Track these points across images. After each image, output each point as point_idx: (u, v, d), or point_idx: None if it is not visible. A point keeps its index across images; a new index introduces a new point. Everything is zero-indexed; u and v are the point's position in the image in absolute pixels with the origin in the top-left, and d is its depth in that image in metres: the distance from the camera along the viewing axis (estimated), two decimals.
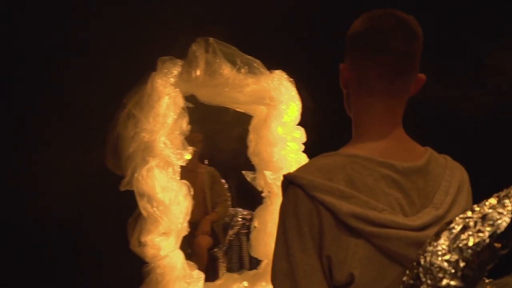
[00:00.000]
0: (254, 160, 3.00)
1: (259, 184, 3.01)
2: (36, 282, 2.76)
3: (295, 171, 0.98)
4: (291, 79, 2.94)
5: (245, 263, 3.96)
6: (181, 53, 2.74)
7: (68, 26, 2.83)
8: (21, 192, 2.68)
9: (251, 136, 3.01)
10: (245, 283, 2.80)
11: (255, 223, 3.04)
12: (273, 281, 0.95)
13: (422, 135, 1.15)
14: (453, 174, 1.03)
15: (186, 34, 2.82)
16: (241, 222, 4.15)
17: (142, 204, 2.51)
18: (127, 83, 2.70)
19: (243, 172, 3.12)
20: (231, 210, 4.26)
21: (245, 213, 4.15)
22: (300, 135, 2.89)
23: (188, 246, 3.68)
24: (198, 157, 3.90)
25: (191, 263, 2.78)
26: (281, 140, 2.83)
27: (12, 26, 2.73)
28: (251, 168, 3.13)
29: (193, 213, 3.70)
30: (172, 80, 2.66)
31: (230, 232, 4.11)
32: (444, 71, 2.86)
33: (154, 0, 2.93)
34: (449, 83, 2.97)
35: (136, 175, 2.53)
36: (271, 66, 2.92)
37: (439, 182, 1.00)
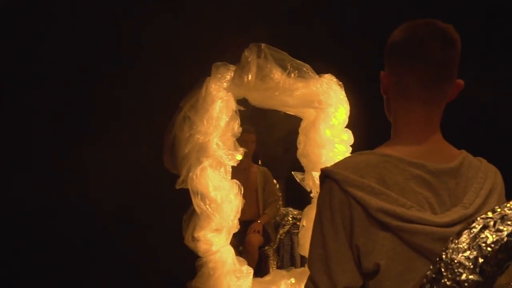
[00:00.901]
0: (303, 161, 3.07)
1: (308, 185, 3.08)
2: (95, 273, 2.96)
3: (331, 166, 1.05)
4: (340, 83, 2.99)
5: (296, 261, 4.02)
6: (234, 58, 2.86)
7: (132, 33, 3.01)
8: (83, 188, 2.87)
9: (300, 138, 3.08)
10: (293, 280, 2.88)
11: (303, 222, 3.11)
12: (310, 266, 1.03)
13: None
14: (486, 177, 1.06)
15: (239, 40, 2.93)
16: (292, 221, 4.21)
17: (196, 201, 2.64)
18: (183, 87, 2.84)
19: (293, 172, 3.20)
20: (283, 209, 4.33)
21: (295, 212, 4.20)
22: (348, 137, 2.93)
23: (240, 244, 3.81)
24: (251, 157, 4.02)
25: (241, 258, 2.88)
26: (329, 142, 2.88)
27: (77, 31, 2.91)
28: (302, 169, 3.21)
29: (245, 212, 3.83)
30: (225, 84, 2.78)
31: (281, 231, 4.18)
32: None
33: (209, 11, 3.05)
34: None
35: (190, 174, 2.67)
36: (321, 70, 2.98)
37: (471, 184, 1.04)
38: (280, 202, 4.32)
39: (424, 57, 1.02)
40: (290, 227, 4.21)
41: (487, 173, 1.07)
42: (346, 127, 2.99)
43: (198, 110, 2.73)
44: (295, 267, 3.64)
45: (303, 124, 3.10)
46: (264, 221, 3.93)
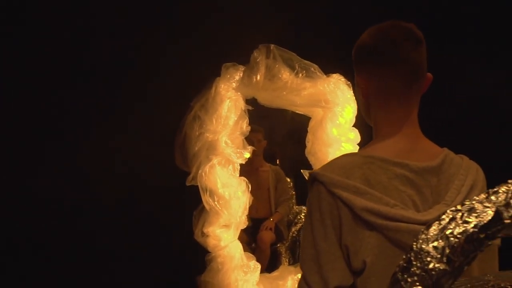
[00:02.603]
0: (311, 159, 3.11)
1: None
2: (106, 269, 3.03)
3: (318, 169, 1.08)
4: (349, 82, 3.01)
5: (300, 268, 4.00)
6: (244, 59, 2.91)
7: (144, 34, 3.10)
8: (95, 185, 2.96)
9: (309, 137, 3.12)
10: (299, 275, 2.91)
11: None
12: (302, 265, 1.07)
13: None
14: (467, 174, 1.08)
15: (248, 41, 2.98)
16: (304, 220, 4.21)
17: (205, 198, 2.71)
18: (194, 87, 2.91)
19: (302, 170, 3.24)
20: (296, 208, 4.37)
21: None
22: (355, 136, 2.97)
23: (253, 241, 3.87)
24: (263, 156, 4.08)
25: (249, 254, 2.94)
26: (336, 141, 2.92)
27: (90, 32, 3.01)
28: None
29: (258, 210, 3.90)
30: (234, 84, 2.84)
31: (293, 229, 4.21)
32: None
33: (218, 13, 3.12)
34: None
35: (200, 171, 2.73)
36: (330, 69, 3.02)
37: (453, 181, 1.07)
38: (293, 201, 4.35)
39: (400, 58, 1.06)
40: (302, 225, 4.21)
41: (468, 170, 1.09)
42: (353, 126, 3.02)
43: (207, 109, 2.80)
44: None
45: (311, 123, 3.15)
46: (277, 219, 3.96)
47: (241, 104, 2.85)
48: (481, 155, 1.26)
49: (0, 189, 2.82)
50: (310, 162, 3.14)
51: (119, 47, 3.01)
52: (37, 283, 2.93)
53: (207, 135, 2.77)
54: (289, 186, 4.28)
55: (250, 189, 2.88)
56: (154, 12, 3.07)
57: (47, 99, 2.94)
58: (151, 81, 2.99)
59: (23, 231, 2.90)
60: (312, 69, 2.89)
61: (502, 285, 1.00)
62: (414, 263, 0.90)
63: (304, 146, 3.21)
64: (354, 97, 2.98)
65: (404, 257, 0.94)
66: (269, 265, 3.72)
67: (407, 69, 1.07)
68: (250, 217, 3.78)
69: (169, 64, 2.99)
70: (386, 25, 1.10)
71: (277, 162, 4.51)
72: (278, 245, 3.99)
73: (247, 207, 2.85)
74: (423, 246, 0.90)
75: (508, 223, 0.84)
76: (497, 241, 1.16)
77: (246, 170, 3.77)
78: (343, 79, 3.01)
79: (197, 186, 2.77)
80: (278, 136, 4.26)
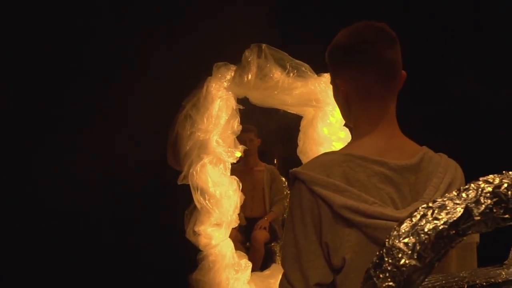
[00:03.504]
0: (302, 158, 3.12)
1: None
2: (98, 269, 3.01)
3: (299, 168, 1.09)
4: None
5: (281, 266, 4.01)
6: (235, 58, 2.93)
7: (135, 34, 3.10)
8: (87, 184, 2.98)
9: (300, 136, 3.14)
10: None
11: None
12: (283, 263, 1.08)
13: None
14: (445, 171, 1.09)
15: (240, 41, 3.00)
16: None
17: (196, 197, 2.74)
18: (185, 86, 2.93)
19: (290, 170, 3.25)
20: None
21: None
22: (345, 135, 2.97)
23: (247, 240, 3.89)
24: (258, 156, 4.09)
25: (241, 252, 2.96)
26: (327, 140, 2.94)
27: (81, 31, 3.00)
28: None
29: (252, 209, 3.92)
30: (225, 84, 2.86)
31: None
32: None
33: (210, 12, 3.13)
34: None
35: (191, 170, 2.76)
36: (321, 69, 3.02)
37: (431, 178, 1.08)
38: (287, 200, 4.36)
39: (377, 58, 1.08)
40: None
41: (446, 168, 1.10)
42: (344, 125, 3.02)
43: (199, 108, 2.82)
44: None
45: (302, 123, 3.16)
46: (271, 218, 3.98)
47: (233, 104, 2.87)
48: (460, 153, 1.27)
49: None
50: (302, 161, 3.16)
51: (109, 47, 3.01)
52: (37, 283, 2.94)
53: (199, 134, 2.79)
54: (283, 185, 4.29)
55: (241, 188, 2.89)
56: (145, 12, 3.08)
57: (45, 98, 2.95)
58: (142, 80, 3.00)
59: (19, 232, 2.91)
60: (303, 68, 2.91)
61: (477, 281, 1.01)
62: (386, 259, 0.91)
63: (297, 145, 3.23)
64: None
65: (377, 253, 0.96)
66: (263, 264, 3.74)
67: (383, 68, 1.08)
68: (245, 216, 3.81)
69: (160, 63, 3.00)
70: (359, 26, 1.11)
71: (275, 162, 4.53)
72: (272, 244, 4.00)
73: (238, 205, 2.86)
74: (395, 243, 0.91)
75: (478, 219, 0.85)
76: (476, 238, 1.17)
77: (241, 169, 3.80)
78: None
79: (189, 185, 2.79)
80: (273, 136, 4.27)
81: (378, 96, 1.10)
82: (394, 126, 1.14)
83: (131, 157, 2.95)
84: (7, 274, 2.90)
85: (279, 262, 3.93)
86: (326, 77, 2.99)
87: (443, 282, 1.01)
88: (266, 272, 3.13)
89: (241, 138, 2.97)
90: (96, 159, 2.91)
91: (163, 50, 3.05)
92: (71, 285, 2.94)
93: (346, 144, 2.91)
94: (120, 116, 2.98)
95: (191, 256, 2.85)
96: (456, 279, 1.01)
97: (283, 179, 4.30)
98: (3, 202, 2.80)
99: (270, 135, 4.31)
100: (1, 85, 2.87)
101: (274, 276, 3.00)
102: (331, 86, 2.88)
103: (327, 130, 2.93)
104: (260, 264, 3.72)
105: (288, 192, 4.37)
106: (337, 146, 2.92)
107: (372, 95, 1.10)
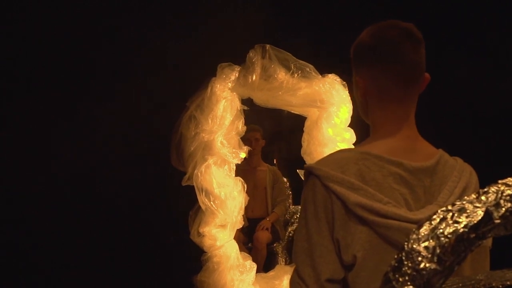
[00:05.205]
0: (306, 159, 3.11)
1: None
2: (104, 267, 3.03)
3: (314, 163, 1.09)
4: (344, 82, 3.01)
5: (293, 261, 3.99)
6: (239, 59, 2.92)
7: (140, 34, 3.10)
8: (96, 185, 2.97)
9: (304, 136, 3.13)
10: None
11: None
12: (295, 258, 1.07)
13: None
14: (460, 176, 1.09)
15: (244, 41, 2.99)
16: None
17: (201, 198, 2.72)
18: (190, 87, 2.92)
19: (298, 170, 3.25)
20: (292, 207, 4.37)
21: None
22: (350, 136, 2.97)
23: (249, 241, 3.88)
24: (261, 156, 4.08)
25: (245, 253, 2.95)
26: (331, 141, 2.93)
27: (87, 31, 3.03)
28: None
29: (255, 210, 3.90)
30: (229, 84, 2.85)
31: (290, 229, 4.22)
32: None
33: (214, 13, 3.12)
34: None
35: (195, 171, 2.74)
36: (326, 69, 3.03)
37: (446, 182, 1.07)
38: (290, 201, 4.36)
39: (399, 58, 1.06)
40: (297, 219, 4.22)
41: (462, 172, 1.10)
42: (348, 126, 3.02)
43: (203, 109, 2.81)
44: None
45: (307, 123, 3.15)
46: (273, 219, 3.97)
47: (237, 104, 2.86)
48: (475, 157, 1.27)
49: None
50: (306, 162, 3.15)
51: (115, 48, 3.01)
52: (38, 283, 2.93)
53: (203, 135, 2.78)
54: (285, 186, 4.29)
55: (246, 189, 2.88)
56: (151, 13, 3.07)
57: (48, 98, 2.94)
58: (147, 81, 2.99)
59: (19, 231, 2.90)
60: (308, 69, 2.90)
61: (493, 284, 1.00)
62: (405, 262, 0.90)
63: (300, 146, 3.22)
64: (349, 97, 2.99)
65: (395, 256, 0.95)
66: (266, 265, 3.73)
67: (405, 69, 1.07)
68: (247, 217, 3.80)
69: (165, 64, 2.99)
70: (385, 25, 1.09)
71: (275, 162, 4.52)
72: (275, 244, 4.00)
73: (243, 207, 2.85)
74: (414, 246, 0.91)
75: (498, 223, 0.85)
76: (489, 243, 1.16)
77: (244, 169, 3.78)
78: (338, 79, 3.02)
79: (193, 186, 2.78)
80: (273, 137, 4.26)
81: (397, 97, 1.09)
82: (412, 127, 1.12)
83: (135, 158, 2.94)
84: None
85: (281, 263, 3.98)
86: (331, 77, 2.99)
87: (460, 285, 1.00)
88: (271, 273, 3.12)
89: (247, 138, 2.95)
90: (99, 161, 2.90)
91: (167, 51, 3.04)
92: (77, 285, 2.93)
93: (351, 145, 2.93)
94: (124, 116, 2.97)
95: (195, 258, 2.84)
96: (472, 282, 1.00)
97: (285, 179, 4.30)
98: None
99: (270, 136, 4.30)
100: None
101: (278, 277, 2.98)
102: (335, 87, 2.86)
103: (332, 131, 2.92)
104: (263, 265, 3.71)
105: (290, 193, 4.38)
106: (342, 147, 2.91)
107: (391, 96, 1.09)
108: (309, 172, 1.06)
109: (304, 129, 3.17)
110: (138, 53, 3.07)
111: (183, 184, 2.78)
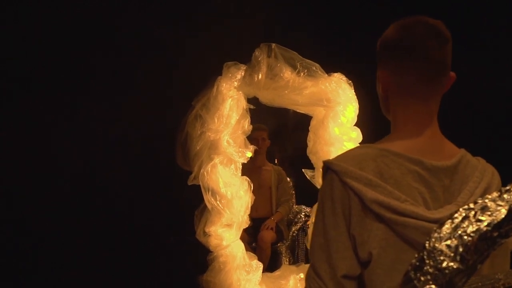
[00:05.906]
0: (312, 158, 3.10)
1: (317, 182, 3.11)
2: (111, 267, 3.03)
3: (333, 159, 1.07)
4: (350, 82, 3.00)
5: (309, 258, 3.99)
6: (245, 58, 2.91)
7: (146, 34, 3.09)
8: (99, 185, 2.96)
9: (310, 136, 3.11)
10: (301, 275, 2.92)
11: (312, 219, 3.14)
12: (311, 254, 1.07)
13: None
14: (482, 176, 1.07)
15: (250, 40, 2.98)
16: (304, 219, 4.23)
17: (207, 197, 2.71)
18: (196, 86, 2.91)
19: (303, 170, 3.24)
20: (296, 207, 4.37)
21: (308, 210, 4.23)
22: (357, 135, 2.95)
23: (253, 240, 3.87)
24: (265, 155, 4.07)
25: (251, 253, 2.94)
26: (338, 140, 2.91)
27: (93, 31, 3.02)
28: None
29: (259, 209, 3.89)
30: (235, 83, 2.83)
31: (293, 228, 4.21)
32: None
33: (220, 12, 3.11)
34: None
35: (202, 171, 2.73)
36: (332, 68, 3.02)
37: (467, 182, 1.06)
38: (293, 200, 4.35)
39: (423, 55, 1.04)
40: (303, 224, 4.23)
41: (483, 173, 1.09)
42: (355, 125, 3.01)
43: (209, 108, 2.79)
44: (306, 263, 3.66)
45: (312, 122, 3.14)
46: (277, 218, 3.96)
47: (243, 103, 2.85)
48: (498, 157, 1.25)
49: None
50: (312, 162, 3.14)
51: (115, 48, 3.00)
52: (38, 283, 2.92)
53: (209, 134, 2.77)
54: (289, 186, 4.28)
55: (252, 188, 2.86)
56: (156, 12, 3.06)
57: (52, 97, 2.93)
58: (153, 80, 2.98)
59: (19, 231, 2.89)
60: (314, 68, 2.89)
61: None
62: (427, 261, 0.89)
63: (302, 145, 3.20)
64: (355, 96, 2.98)
65: (416, 255, 0.93)
66: (270, 265, 3.72)
67: (430, 67, 1.05)
68: (251, 216, 3.79)
69: (171, 63, 2.98)
70: (411, 20, 1.08)
71: (276, 162, 4.51)
72: (278, 244, 4.00)
73: (249, 206, 2.84)
74: (436, 245, 0.89)
75: None
76: (510, 241, 1.15)
77: (249, 168, 3.77)
78: (344, 78, 3.01)
79: (199, 185, 2.76)
80: (275, 136, 4.25)
81: (418, 95, 1.08)
82: (434, 126, 1.11)
83: (141, 158, 2.93)
84: None
85: (285, 262, 3.97)
86: (337, 76, 2.98)
87: (479, 284, 0.99)
88: (277, 273, 3.10)
89: (254, 137, 2.94)
90: (104, 160, 2.89)
91: (173, 50, 3.03)
92: (82, 285, 2.92)
93: (357, 144, 2.92)
94: (129, 116, 2.96)
95: (201, 257, 2.83)
96: (491, 281, 0.99)
97: (288, 179, 4.29)
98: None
99: (271, 136, 4.30)
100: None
101: (285, 277, 2.97)
102: (342, 86, 2.84)
103: (338, 130, 2.91)
104: (267, 264, 3.70)
105: (293, 192, 4.37)
106: (348, 146, 2.89)
107: (412, 93, 1.08)
108: (327, 167, 1.06)
109: (310, 128, 3.15)
110: (141, 53, 3.05)
111: (189, 183, 2.77)
